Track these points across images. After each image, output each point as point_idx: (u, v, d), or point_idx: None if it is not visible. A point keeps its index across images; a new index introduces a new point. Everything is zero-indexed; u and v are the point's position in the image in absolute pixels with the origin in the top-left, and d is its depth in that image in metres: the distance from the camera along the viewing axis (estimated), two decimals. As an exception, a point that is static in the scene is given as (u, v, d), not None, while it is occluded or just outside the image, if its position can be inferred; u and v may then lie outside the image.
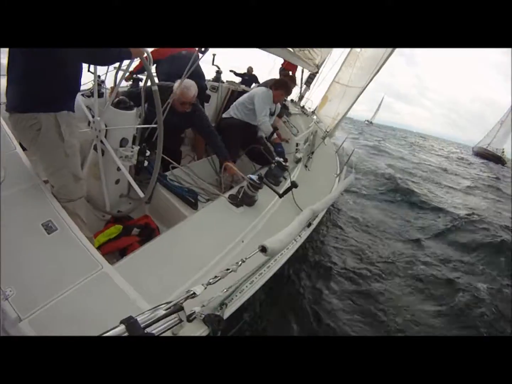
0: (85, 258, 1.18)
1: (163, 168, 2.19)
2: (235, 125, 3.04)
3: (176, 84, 2.16)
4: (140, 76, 2.93)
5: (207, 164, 2.84)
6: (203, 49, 1.72)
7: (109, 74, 2.15)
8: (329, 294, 3.04)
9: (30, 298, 1.00)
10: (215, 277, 1.05)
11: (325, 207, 2.32)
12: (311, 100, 6.63)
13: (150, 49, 1.49)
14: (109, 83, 2.24)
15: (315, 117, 6.45)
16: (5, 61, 1.23)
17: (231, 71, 6.29)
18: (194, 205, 2.06)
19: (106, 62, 1.43)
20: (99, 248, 1.61)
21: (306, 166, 3.32)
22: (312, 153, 3.66)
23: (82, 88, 1.61)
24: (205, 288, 1.00)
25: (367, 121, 69.55)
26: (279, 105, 3.40)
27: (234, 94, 4.01)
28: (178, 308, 0.90)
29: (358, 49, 5.95)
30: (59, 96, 1.31)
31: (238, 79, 5.94)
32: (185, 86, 2.21)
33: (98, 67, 1.75)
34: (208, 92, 3.50)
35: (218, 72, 4.15)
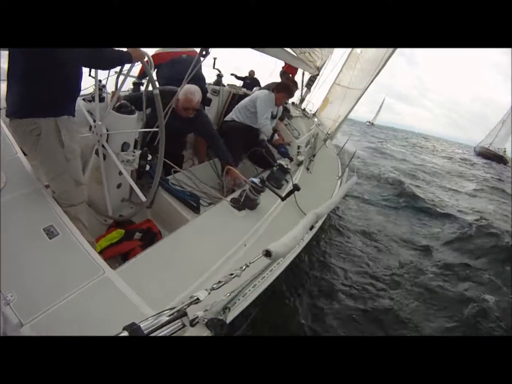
0: (87, 263, 1.17)
1: (165, 172, 2.19)
2: (237, 128, 3.04)
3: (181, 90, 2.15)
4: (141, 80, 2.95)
5: (209, 167, 2.83)
6: (204, 52, 1.72)
7: (110, 79, 2.16)
8: (329, 313, 2.87)
9: (31, 303, 0.99)
10: (219, 282, 1.04)
11: (328, 210, 2.31)
12: (312, 102, 6.63)
13: (151, 52, 1.49)
14: (110, 88, 2.26)
15: (316, 119, 6.44)
16: (5, 65, 1.24)
17: (232, 74, 6.32)
18: (196, 209, 2.05)
19: (107, 66, 1.44)
20: (101, 252, 1.60)
21: (308, 169, 3.32)
22: (314, 155, 3.66)
23: (83, 93, 1.62)
24: (209, 293, 0.99)
25: (369, 122, 69.27)
26: (281, 108, 3.40)
27: (235, 98, 4.00)
28: (181, 314, 0.90)
29: (358, 51, 5.95)
30: (59, 100, 1.31)
31: (239, 83, 5.95)
32: (190, 91, 2.21)
33: (99, 72, 1.76)
34: (209, 95, 3.50)
35: (219, 76, 4.16)
